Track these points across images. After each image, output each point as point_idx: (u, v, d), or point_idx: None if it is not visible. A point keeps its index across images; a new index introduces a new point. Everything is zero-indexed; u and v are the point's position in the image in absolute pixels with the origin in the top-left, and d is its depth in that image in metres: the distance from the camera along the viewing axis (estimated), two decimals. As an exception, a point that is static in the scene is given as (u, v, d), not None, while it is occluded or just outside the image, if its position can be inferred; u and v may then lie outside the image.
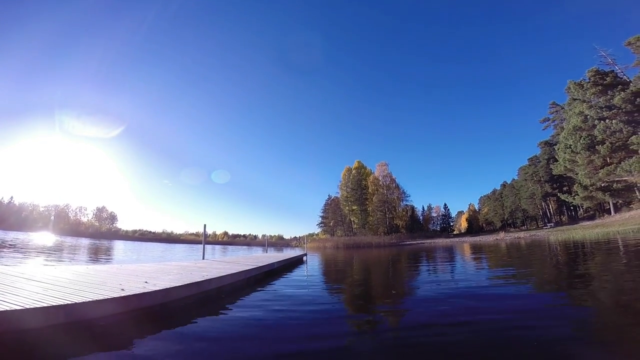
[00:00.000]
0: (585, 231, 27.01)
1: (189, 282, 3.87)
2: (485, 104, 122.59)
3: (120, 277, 4.07)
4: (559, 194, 42.07)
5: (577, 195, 33.85)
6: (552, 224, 51.18)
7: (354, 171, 68.71)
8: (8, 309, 1.93)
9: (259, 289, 5.66)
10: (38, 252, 13.04)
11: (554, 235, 30.22)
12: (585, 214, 51.40)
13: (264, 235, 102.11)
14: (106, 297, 2.62)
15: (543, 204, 61.41)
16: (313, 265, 12.43)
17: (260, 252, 28.85)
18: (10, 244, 16.81)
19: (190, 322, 3.15)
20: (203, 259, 8.86)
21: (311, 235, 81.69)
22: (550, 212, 61.79)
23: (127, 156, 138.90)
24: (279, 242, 76.05)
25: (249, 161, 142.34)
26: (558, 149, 36.95)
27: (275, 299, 4.58)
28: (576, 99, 33.97)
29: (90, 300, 2.45)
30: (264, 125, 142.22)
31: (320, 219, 77.38)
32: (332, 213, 71.13)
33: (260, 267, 7.03)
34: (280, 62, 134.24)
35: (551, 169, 43.34)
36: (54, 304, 2.20)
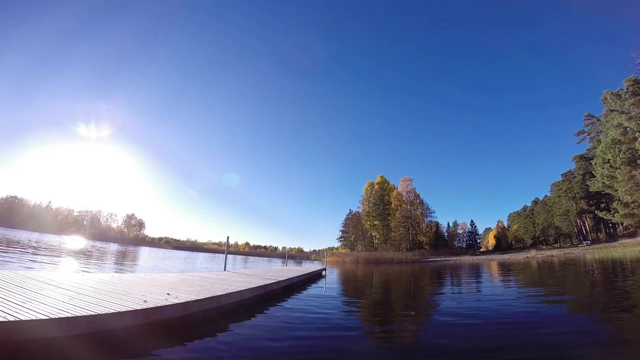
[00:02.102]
0: (625, 249, 25.16)
1: (209, 296, 3.90)
2: (515, 117, 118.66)
3: (143, 286, 4.16)
4: (596, 212, 39.40)
5: (617, 212, 31.60)
6: (589, 242, 48.03)
7: (376, 186, 68.05)
8: (34, 317, 2.00)
9: (277, 304, 5.64)
10: (70, 255, 13.67)
11: (591, 253, 28.38)
12: (625, 232, 47.89)
13: (284, 248, 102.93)
14: (128, 309, 2.67)
15: (578, 221, 57.90)
16: (331, 280, 12.25)
17: (280, 264, 28.87)
18: (45, 247, 17.70)
19: (207, 336, 3.16)
20: (225, 270, 8.94)
21: (331, 249, 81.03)
22: (586, 229, 58.09)
23: (154, 165, 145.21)
24: (298, 255, 75.93)
25: (272, 173, 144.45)
26: (595, 164, 34.67)
27: (289, 320, 4.47)
28: (614, 110, 31.96)
29: (113, 312, 2.51)
30: (290, 139, 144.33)
31: (340, 233, 76.80)
32: (352, 227, 70.38)
33: (279, 281, 7.01)
34: (303, 74, 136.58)
35: (587, 184, 40.86)
36: (78, 314, 2.26)
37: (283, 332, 3.72)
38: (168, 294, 3.73)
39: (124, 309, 2.65)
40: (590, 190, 39.93)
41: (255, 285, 5.54)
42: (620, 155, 29.01)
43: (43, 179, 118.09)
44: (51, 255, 12.36)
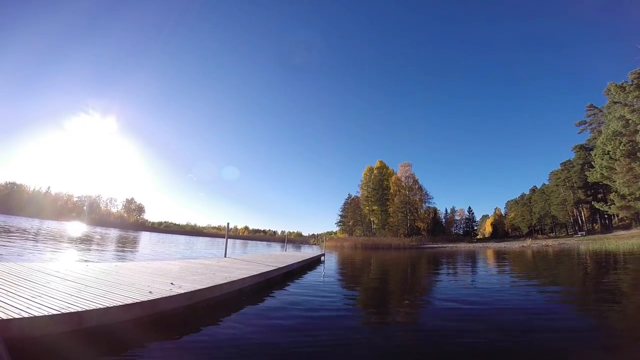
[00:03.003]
0: (619, 241, 25.54)
1: (212, 285, 3.99)
2: (515, 105, 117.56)
3: (147, 276, 4.25)
4: (593, 202, 39.72)
5: (614, 204, 31.90)
6: (584, 232, 48.66)
7: (375, 171, 68.07)
8: (47, 313, 2.07)
9: (277, 290, 5.82)
10: (71, 243, 13.80)
11: (585, 244, 28.82)
12: (620, 223, 48.44)
13: (282, 232, 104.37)
14: (136, 300, 2.75)
15: (575, 210, 58.42)
16: (330, 266, 12.47)
17: (279, 249, 29.23)
18: (46, 234, 17.87)
19: (210, 326, 3.26)
20: (225, 256, 9.07)
21: (329, 233, 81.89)
22: (582, 219, 58.70)
23: (152, 151, 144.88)
24: (297, 239, 76.74)
25: (270, 157, 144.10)
26: (595, 155, 34.70)
27: (289, 304, 4.65)
28: (617, 102, 31.71)
29: (121, 304, 2.58)
30: (287, 122, 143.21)
31: (339, 217, 77.44)
32: (351, 212, 70.90)
33: (279, 268, 7.13)
34: (294, 59, 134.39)
35: (586, 175, 40.99)
36: (87, 307, 2.33)
37: (284, 317, 3.91)
38: (172, 283, 3.81)
39: (131, 300, 2.72)
40: (588, 180, 40.09)
41: (256, 273, 5.65)
42: (621, 147, 29.06)
43: (42, 166, 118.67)
44: (52, 243, 12.48)
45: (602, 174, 32.68)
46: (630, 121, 28.67)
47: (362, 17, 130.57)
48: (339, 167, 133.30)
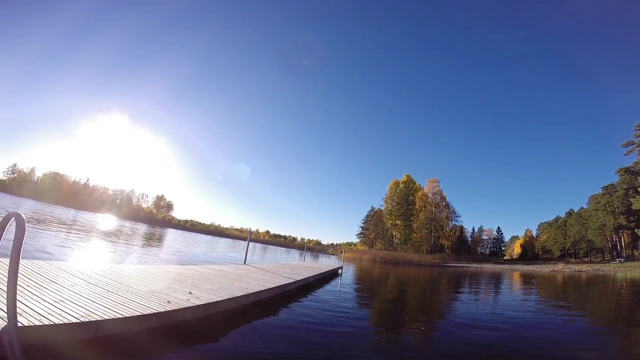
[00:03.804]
0: (662, 271, 23.52)
1: (228, 297, 4.02)
2: (556, 122, 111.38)
3: (167, 282, 4.36)
4: (636, 230, 36.82)
5: None
6: (622, 259, 45.09)
7: (401, 185, 66.90)
8: (67, 321, 2.16)
9: (293, 302, 5.83)
10: (102, 237, 14.46)
11: (622, 271, 26.76)
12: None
13: (302, 239, 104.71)
14: (153, 311, 2.81)
15: (614, 236, 54.44)
16: (347, 280, 12.30)
17: (297, 256, 29.27)
18: (80, 226, 18.84)
19: (223, 337, 3.27)
20: (245, 263, 9.16)
21: (349, 244, 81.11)
22: (621, 245, 54.51)
23: (182, 151, 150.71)
24: (315, 248, 76.47)
25: (297, 163, 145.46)
26: None
27: (303, 318, 4.68)
28: None
29: (138, 314, 2.65)
30: (319, 131, 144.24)
31: (360, 229, 76.66)
32: (373, 225, 69.93)
33: (296, 281, 7.12)
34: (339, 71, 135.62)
35: (629, 200, 38.16)
36: (105, 316, 2.41)
37: (297, 330, 3.96)
38: (190, 292, 3.87)
39: (149, 311, 2.78)
40: (633, 207, 37.20)
41: (273, 286, 5.65)
42: None
43: (83, 158, 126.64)
44: (84, 236, 13.14)
45: None
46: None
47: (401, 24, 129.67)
48: (364, 178, 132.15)
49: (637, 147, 47.47)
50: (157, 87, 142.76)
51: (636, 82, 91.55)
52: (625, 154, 49.86)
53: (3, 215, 2.00)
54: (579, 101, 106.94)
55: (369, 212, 75.62)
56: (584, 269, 35.41)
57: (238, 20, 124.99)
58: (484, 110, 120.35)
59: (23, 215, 1.93)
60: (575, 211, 67.42)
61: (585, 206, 63.53)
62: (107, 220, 38.61)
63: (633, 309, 8.36)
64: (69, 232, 13.17)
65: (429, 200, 61.87)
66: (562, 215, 72.42)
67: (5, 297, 2.08)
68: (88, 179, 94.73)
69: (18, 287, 2.64)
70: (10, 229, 1.96)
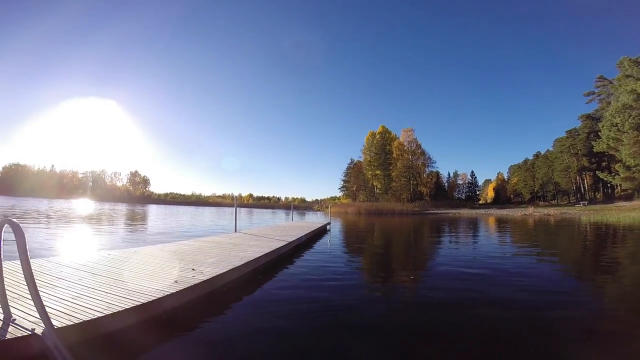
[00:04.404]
0: (620, 214, 25.88)
1: (230, 268, 4.20)
2: (521, 70, 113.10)
3: (167, 262, 4.47)
4: (597, 172, 40.09)
5: (618, 174, 32.22)
6: (586, 202, 48.91)
7: (377, 135, 67.59)
8: (100, 314, 2.29)
9: (289, 264, 6.15)
10: (83, 224, 14.08)
11: (586, 215, 29.26)
12: (622, 193, 48.68)
13: (286, 198, 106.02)
14: (166, 292, 2.95)
15: (578, 178, 58.59)
16: (335, 235, 12.91)
17: (284, 216, 29.91)
18: (59, 217, 18.27)
19: (231, 310, 3.50)
20: (235, 231, 9.35)
21: (333, 198, 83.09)
22: (584, 187, 58.96)
23: (153, 125, 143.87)
24: (301, 206, 77.89)
25: (270, 122, 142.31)
26: (602, 126, 34.88)
27: (304, 277, 5.00)
28: (629, 76, 31.16)
29: (156, 298, 2.78)
30: (289, 85, 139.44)
31: (342, 182, 78.05)
32: (354, 177, 71.31)
33: (289, 242, 7.40)
34: (316, 23, 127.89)
35: (591, 143, 41.16)
36: (129, 305, 2.53)
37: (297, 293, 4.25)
38: (193, 269, 4.02)
39: (161, 294, 2.90)
40: (594, 150, 40.20)
41: (268, 250, 5.88)
42: (630, 120, 29.11)
43: (43, 146, 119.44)
44: (66, 225, 12.77)
45: (609, 145, 33.14)
46: (641, 95, 28.36)
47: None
48: (341, 132, 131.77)
49: (597, 97, 52.22)
50: (126, 78, 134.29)
51: (598, 35, 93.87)
52: (587, 102, 54.87)
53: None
54: (545, 51, 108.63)
55: (349, 164, 76.73)
56: (552, 212, 38.25)
57: None
58: (453, 59, 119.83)
59: (14, 220, 1.95)
60: (542, 153, 70.99)
61: (551, 149, 67.06)
62: (84, 205, 37.33)
63: (597, 252, 9.31)
64: (49, 224, 12.79)
65: (405, 148, 63.39)
66: (531, 157, 76.28)
67: (24, 301, 2.21)
68: (53, 166, 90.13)
69: (51, 293, 2.72)
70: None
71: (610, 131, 32.22)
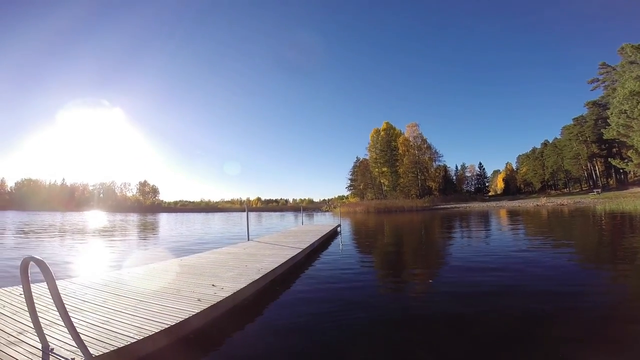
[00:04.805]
0: (637, 201, 25.36)
1: (250, 282, 4.26)
2: (526, 59, 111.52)
3: (186, 277, 4.57)
4: (610, 159, 39.61)
5: (631, 161, 31.85)
6: (599, 190, 48.08)
7: (382, 132, 67.31)
8: (136, 338, 2.38)
9: (305, 272, 6.23)
10: (100, 237, 14.30)
11: (601, 204, 28.72)
12: (635, 178, 47.81)
13: (294, 200, 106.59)
14: (192, 313, 3.02)
15: (589, 164, 57.59)
16: (346, 237, 13.00)
17: (292, 219, 29.96)
18: (72, 229, 18.62)
19: (254, 324, 3.56)
20: (248, 239, 9.44)
21: (341, 198, 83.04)
22: (596, 174, 57.91)
23: (159, 133, 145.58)
24: (309, 207, 77.97)
25: (275, 121, 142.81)
26: (611, 114, 34.57)
27: (318, 289, 5.02)
28: (633, 63, 30.85)
29: (183, 319, 2.85)
30: (291, 87, 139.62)
31: (349, 181, 77.89)
32: (361, 175, 71.03)
33: (304, 249, 7.46)
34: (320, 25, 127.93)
35: (599, 130, 40.75)
36: (155, 329, 2.60)
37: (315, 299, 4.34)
38: (213, 285, 4.09)
39: (187, 314, 2.97)
40: (604, 137, 39.76)
41: (284, 260, 5.93)
42: (639, 106, 28.98)
43: (53, 159, 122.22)
44: (81, 239, 13.05)
45: (619, 132, 32.99)
46: (648, 81, 28.07)
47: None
48: (346, 129, 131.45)
49: (602, 84, 52.09)
50: (130, 83, 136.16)
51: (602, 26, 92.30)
52: (592, 90, 54.73)
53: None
54: (550, 41, 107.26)
55: (355, 162, 76.51)
56: (565, 202, 37.69)
57: None
58: (455, 50, 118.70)
59: (39, 257, 1.98)
60: (550, 142, 70.01)
61: (559, 137, 66.14)
62: (96, 217, 37.84)
63: (615, 242, 9.19)
64: (63, 239, 13.07)
65: (411, 144, 62.96)
66: (538, 146, 75.24)
67: (57, 328, 2.28)
68: (64, 179, 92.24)
69: (80, 318, 2.80)
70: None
71: (619, 118, 31.97)
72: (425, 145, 63.94)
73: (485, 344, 2.90)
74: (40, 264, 1.94)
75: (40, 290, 3.47)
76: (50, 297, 1.96)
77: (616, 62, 39.98)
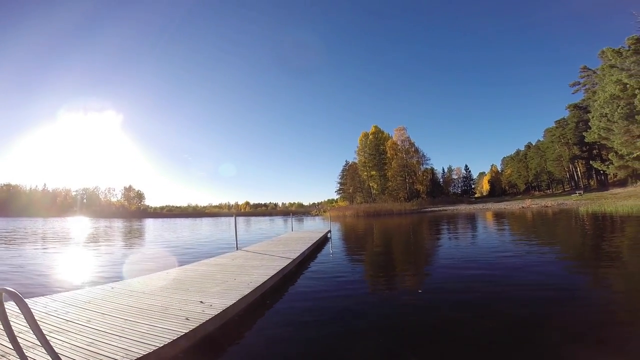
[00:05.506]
0: (617, 202, 26.33)
1: (239, 298, 4.14)
2: (508, 64, 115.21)
3: (172, 293, 4.44)
4: (591, 162, 41.08)
5: (612, 164, 33.01)
6: (581, 191, 49.51)
7: (370, 136, 67.94)
8: None
9: (295, 282, 6.19)
10: (81, 246, 13.90)
11: (584, 205, 29.67)
12: (615, 179, 49.43)
13: (283, 204, 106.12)
14: (179, 333, 2.93)
15: (570, 166, 59.36)
16: (336, 243, 13.02)
17: (282, 224, 29.75)
18: (53, 236, 18.04)
19: (245, 340, 3.49)
20: (237, 249, 9.32)
21: (330, 201, 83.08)
22: (577, 175, 59.72)
23: (146, 137, 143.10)
24: (299, 211, 77.75)
25: (264, 125, 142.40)
26: (592, 117, 35.92)
27: (310, 299, 4.97)
28: (613, 67, 32.05)
29: (170, 340, 2.77)
30: (280, 92, 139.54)
31: (338, 185, 78.14)
32: (350, 179, 71.41)
33: (294, 259, 7.34)
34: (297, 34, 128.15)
35: (581, 132, 42.32)
36: (144, 351, 2.53)
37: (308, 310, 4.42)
38: (201, 302, 3.99)
39: (174, 335, 2.89)
40: (585, 140, 41.18)
41: (274, 272, 5.81)
42: (619, 110, 29.89)
43: (35, 164, 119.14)
44: (61, 247, 12.70)
45: (600, 135, 34.07)
46: (627, 85, 29.21)
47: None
48: (335, 133, 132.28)
49: (583, 87, 54.19)
50: (123, 85, 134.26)
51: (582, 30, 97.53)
52: (573, 93, 56.79)
53: None
54: (532, 45, 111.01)
55: (344, 166, 76.96)
56: (549, 203, 38.85)
57: None
58: (441, 56, 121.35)
59: (11, 289, 1.76)
60: (534, 144, 71.94)
61: (542, 139, 68.10)
62: (79, 224, 36.74)
63: (598, 244, 9.47)
64: (46, 247, 12.66)
65: (399, 147, 63.69)
66: (522, 148, 77.26)
67: (39, 350, 2.18)
68: (45, 184, 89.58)
69: (64, 339, 2.64)
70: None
71: (600, 122, 33.07)
72: (413, 149, 64.77)
73: (477, 347, 2.98)
74: (14, 296, 1.78)
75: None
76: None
77: (597, 65, 41.27)
